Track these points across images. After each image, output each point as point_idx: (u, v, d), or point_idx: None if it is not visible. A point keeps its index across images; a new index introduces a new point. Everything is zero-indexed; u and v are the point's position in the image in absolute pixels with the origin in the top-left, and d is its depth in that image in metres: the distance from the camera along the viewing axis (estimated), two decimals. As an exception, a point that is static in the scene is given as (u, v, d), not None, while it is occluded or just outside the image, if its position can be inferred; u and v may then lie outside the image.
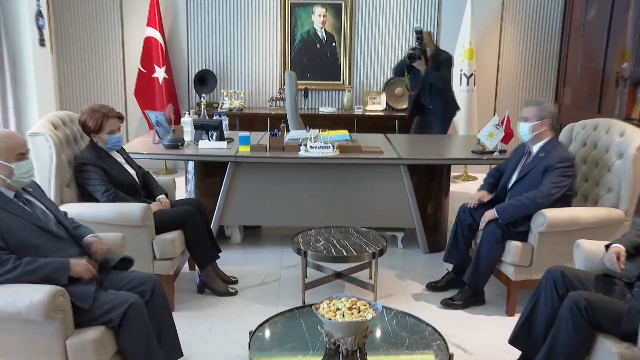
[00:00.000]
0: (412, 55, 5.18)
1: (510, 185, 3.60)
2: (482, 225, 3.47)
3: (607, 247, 2.61)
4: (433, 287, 3.85)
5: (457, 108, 5.64)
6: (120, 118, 3.47)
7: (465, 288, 3.61)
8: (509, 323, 3.30)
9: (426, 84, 5.39)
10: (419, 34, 5.20)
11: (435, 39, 6.56)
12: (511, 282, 3.44)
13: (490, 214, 3.45)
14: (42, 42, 5.23)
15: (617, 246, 2.54)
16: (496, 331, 3.31)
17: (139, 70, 6.44)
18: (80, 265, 2.40)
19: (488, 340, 3.21)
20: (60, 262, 2.35)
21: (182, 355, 2.64)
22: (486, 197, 3.73)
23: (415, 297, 3.75)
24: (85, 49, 6.64)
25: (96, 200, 3.35)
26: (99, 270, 2.57)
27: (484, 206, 3.64)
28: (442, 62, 5.31)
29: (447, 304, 3.58)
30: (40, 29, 5.19)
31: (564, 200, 3.40)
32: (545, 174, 3.37)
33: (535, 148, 3.51)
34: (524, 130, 3.50)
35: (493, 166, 3.92)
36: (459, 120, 6.40)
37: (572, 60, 6.36)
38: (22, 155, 2.46)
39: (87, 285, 2.38)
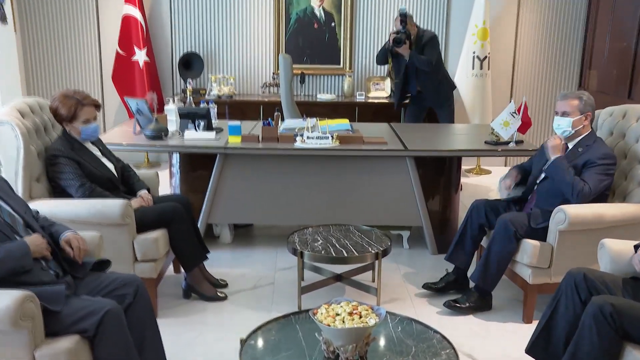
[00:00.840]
0: (398, 39, 5.25)
1: (539, 181, 3.59)
2: (551, 142, 3.45)
3: (637, 247, 2.61)
4: (430, 287, 3.85)
5: (452, 87, 5.75)
6: (97, 106, 3.45)
7: (471, 291, 3.61)
8: (526, 331, 3.30)
9: (410, 70, 5.49)
10: (404, 17, 5.27)
11: (445, 17, 6.58)
12: (528, 285, 3.43)
13: (558, 143, 3.43)
14: (3, 19, 5.16)
15: None
16: (511, 340, 3.31)
17: (117, 52, 6.40)
18: (37, 243, 2.42)
19: (502, 350, 3.21)
20: (18, 248, 2.35)
21: (166, 365, 2.64)
22: (516, 178, 3.74)
23: (422, 302, 3.75)
24: (55, 27, 6.58)
25: (69, 196, 3.33)
26: (73, 276, 2.56)
27: (502, 207, 3.64)
28: (427, 43, 5.39)
29: (451, 306, 3.57)
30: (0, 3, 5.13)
31: (600, 199, 3.40)
32: (584, 169, 3.37)
33: (571, 144, 3.51)
34: (563, 127, 3.47)
35: (510, 159, 3.90)
36: (471, 107, 6.40)
37: (600, 40, 6.33)
38: None
39: (54, 286, 2.36)
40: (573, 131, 3.46)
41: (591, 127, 3.52)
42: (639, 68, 5.50)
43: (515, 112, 4.26)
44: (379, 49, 5.76)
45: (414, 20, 5.54)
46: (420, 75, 5.52)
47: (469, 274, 3.74)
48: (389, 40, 5.40)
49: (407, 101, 5.89)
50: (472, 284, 3.66)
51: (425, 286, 3.87)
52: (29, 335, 2.19)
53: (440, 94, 5.65)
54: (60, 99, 3.35)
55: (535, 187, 3.61)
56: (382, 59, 5.61)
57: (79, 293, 2.50)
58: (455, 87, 5.82)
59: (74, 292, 2.49)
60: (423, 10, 6.62)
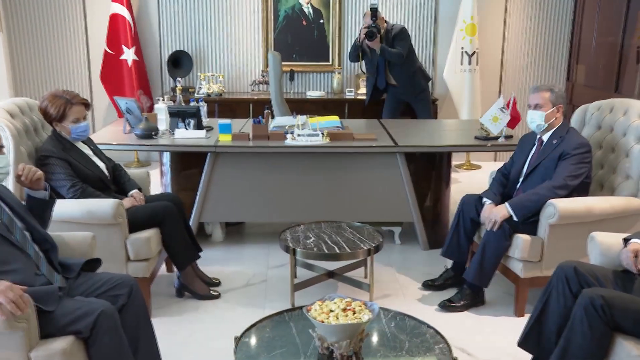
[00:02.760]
0: (371, 33, 5.33)
1: (521, 178, 3.61)
2: (489, 226, 3.42)
3: (626, 241, 2.64)
4: (430, 285, 3.87)
5: (427, 79, 5.84)
6: (86, 105, 3.44)
7: (464, 288, 3.63)
8: (518, 324, 3.33)
9: (380, 64, 5.58)
10: (374, 11, 5.35)
11: (434, 13, 6.62)
12: (520, 279, 3.46)
13: (502, 211, 3.40)
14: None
15: (636, 242, 2.56)
16: (504, 333, 3.34)
17: (105, 51, 6.38)
18: (7, 295, 2.10)
19: (495, 343, 3.24)
20: None
21: (161, 364, 2.65)
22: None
23: (415, 297, 3.77)
24: (41, 26, 6.55)
25: (61, 197, 3.33)
26: (68, 275, 2.56)
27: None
28: (396, 35, 5.48)
29: (446, 306, 3.59)
30: (-16, 3, 5.10)
31: (582, 189, 3.42)
32: (560, 161, 3.39)
33: (546, 136, 3.53)
34: (536, 120, 3.49)
35: (499, 166, 3.89)
36: (460, 103, 6.44)
37: (587, 35, 6.38)
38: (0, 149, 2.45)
39: (47, 287, 2.36)
40: (546, 125, 3.49)
41: (563, 118, 3.53)
42: (625, 62, 5.54)
43: (504, 107, 4.29)
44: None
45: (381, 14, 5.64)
46: (393, 69, 5.61)
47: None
48: (359, 35, 5.46)
49: (383, 97, 5.95)
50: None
51: (425, 284, 3.89)
52: (24, 336, 2.18)
53: (414, 87, 5.71)
54: (50, 99, 3.35)
55: (520, 184, 3.63)
56: (354, 56, 5.68)
57: (72, 294, 2.49)
58: (430, 79, 5.91)
59: (68, 293, 2.49)
60: (412, 6, 6.65)
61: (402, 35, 5.47)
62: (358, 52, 5.55)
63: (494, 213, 3.42)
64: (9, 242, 2.41)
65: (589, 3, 6.33)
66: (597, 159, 3.72)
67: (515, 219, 3.39)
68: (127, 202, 3.50)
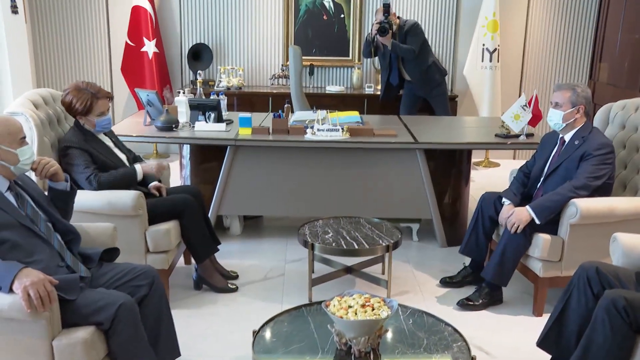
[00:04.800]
0: (383, 28, 5.32)
1: (542, 178, 3.58)
2: (511, 229, 3.39)
3: None
4: (447, 282, 3.87)
5: (442, 74, 5.79)
6: (110, 98, 3.47)
7: (482, 286, 3.61)
8: (536, 324, 3.31)
9: (393, 60, 5.59)
10: (387, 7, 5.37)
11: (455, 9, 6.58)
12: (539, 279, 3.44)
13: (524, 215, 3.36)
14: (14, 9, 5.17)
15: None
16: (522, 333, 3.32)
17: (126, 43, 6.42)
18: (30, 276, 2.16)
19: (513, 343, 3.22)
20: (8, 266, 2.22)
21: (180, 355, 2.65)
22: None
23: (433, 295, 3.76)
24: (65, 17, 6.62)
25: (80, 188, 3.34)
26: (88, 265, 2.58)
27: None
28: (408, 31, 5.45)
29: (464, 304, 3.58)
30: (11, -5, 5.15)
31: (605, 190, 3.39)
32: (582, 162, 3.35)
33: (568, 136, 3.49)
34: (554, 119, 3.46)
35: (518, 164, 3.85)
36: (480, 100, 6.39)
37: (611, 32, 6.30)
38: (24, 139, 2.48)
39: (68, 275, 2.38)
40: (564, 124, 3.45)
41: (586, 118, 3.48)
42: (651, 60, 5.48)
43: (526, 105, 4.26)
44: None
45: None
46: (406, 65, 5.61)
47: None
48: (371, 31, 5.45)
49: (400, 93, 5.94)
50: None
51: (442, 281, 3.88)
52: (47, 325, 2.21)
53: (429, 82, 5.68)
54: (74, 93, 3.34)
55: (540, 183, 3.60)
56: (366, 51, 5.66)
57: (95, 284, 2.52)
58: (447, 73, 5.87)
59: (91, 283, 2.52)
60: (433, 2, 6.61)
61: (414, 30, 5.45)
62: (370, 48, 5.54)
63: (516, 217, 3.38)
64: (34, 234, 2.44)
65: (615, 0, 6.25)
66: (621, 158, 3.68)
67: (537, 222, 3.36)
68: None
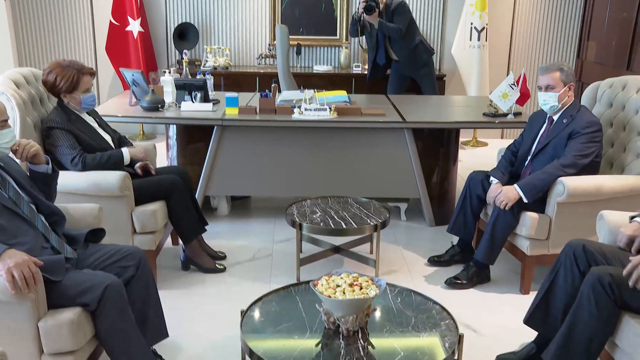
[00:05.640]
0: (369, 7, 5.30)
1: (530, 157, 3.59)
2: (501, 206, 3.39)
3: (632, 218, 2.63)
4: (435, 261, 3.88)
5: (429, 53, 5.76)
6: (92, 74, 3.42)
7: (470, 265, 3.63)
8: (524, 302, 3.34)
9: (380, 39, 5.57)
10: None
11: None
12: (526, 257, 3.46)
13: (512, 193, 3.36)
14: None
15: (637, 222, 2.57)
16: (509, 310, 3.34)
17: (111, 22, 6.33)
18: (14, 257, 2.15)
19: (500, 320, 3.24)
20: None
21: (168, 336, 2.66)
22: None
23: (421, 273, 3.77)
24: (46, -4, 6.51)
25: (64, 168, 3.31)
26: (74, 247, 2.56)
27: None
28: (395, 10, 5.42)
29: (452, 283, 3.59)
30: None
31: (592, 168, 3.40)
32: (570, 140, 3.36)
33: (556, 115, 3.49)
34: (549, 102, 3.44)
35: (506, 143, 3.85)
36: (468, 79, 6.38)
37: (599, 10, 6.29)
38: (5, 122, 2.44)
39: (53, 257, 2.36)
40: (560, 105, 3.45)
41: (574, 96, 3.50)
42: (638, 39, 5.47)
43: (514, 84, 4.25)
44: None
45: None
46: (394, 44, 5.59)
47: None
48: (358, 9, 5.42)
49: (387, 72, 5.92)
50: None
51: (431, 260, 3.90)
52: (32, 306, 2.20)
53: (416, 61, 5.67)
54: (57, 71, 3.28)
55: (528, 162, 3.60)
56: (353, 30, 5.64)
57: (82, 265, 2.50)
58: (433, 52, 5.84)
59: (77, 264, 2.50)
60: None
61: (400, 9, 5.42)
62: (357, 27, 5.53)
63: (505, 195, 3.38)
64: (17, 215, 2.41)
65: (602, -22, 6.23)
66: (608, 137, 3.69)
67: (525, 200, 3.36)
68: (134, 151, 3.50)
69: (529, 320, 2.76)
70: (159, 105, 4.29)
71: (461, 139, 6.39)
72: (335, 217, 3.51)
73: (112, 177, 3.23)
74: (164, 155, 4.83)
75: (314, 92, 4.44)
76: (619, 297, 2.32)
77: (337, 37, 6.71)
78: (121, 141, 3.69)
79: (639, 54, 5.46)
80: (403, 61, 5.66)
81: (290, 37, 5.69)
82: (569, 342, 2.40)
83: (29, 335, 2.24)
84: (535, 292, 2.78)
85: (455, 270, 3.72)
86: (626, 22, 5.67)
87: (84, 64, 3.41)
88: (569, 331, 2.41)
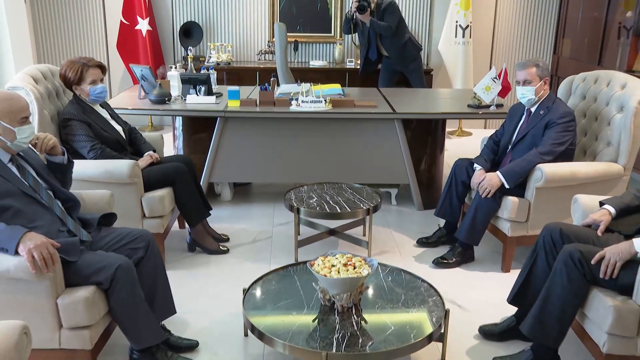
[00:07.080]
0: (362, 6, 5.28)
1: (511, 146, 3.59)
2: (483, 193, 3.39)
3: (602, 204, 2.66)
4: (424, 242, 3.89)
5: (417, 49, 5.73)
6: (102, 67, 3.40)
7: (455, 245, 3.64)
8: (505, 279, 3.36)
9: (372, 36, 5.54)
10: None
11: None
12: (507, 238, 3.47)
13: (495, 180, 3.37)
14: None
15: (605, 210, 2.61)
16: (492, 287, 3.36)
17: (121, 22, 6.29)
18: (33, 240, 2.16)
19: (484, 297, 3.26)
20: (10, 234, 2.19)
21: (175, 312, 2.66)
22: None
23: (410, 254, 3.78)
24: (63, -2, 6.46)
25: (82, 158, 3.31)
26: (88, 230, 2.56)
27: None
28: (385, 9, 5.40)
29: (439, 263, 3.60)
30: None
31: (567, 155, 3.40)
32: (547, 130, 3.36)
33: (534, 107, 3.50)
34: (527, 95, 3.43)
35: (489, 133, 3.85)
36: (454, 73, 6.37)
37: (573, 10, 6.29)
38: (26, 119, 2.42)
39: (69, 239, 2.36)
40: (537, 98, 3.45)
41: (549, 89, 3.50)
42: (608, 37, 5.47)
43: (496, 78, 4.24)
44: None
45: None
46: (384, 41, 5.56)
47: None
48: (351, 8, 5.39)
49: (379, 67, 5.89)
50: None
51: (419, 241, 3.91)
52: (51, 284, 2.21)
53: (405, 57, 5.64)
54: (67, 65, 3.33)
55: (509, 150, 3.60)
56: (346, 28, 5.61)
57: (95, 247, 2.51)
58: (421, 48, 5.82)
59: (91, 246, 2.50)
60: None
61: (390, 9, 5.39)
62: (350, 25, 5.51)
63: (488, 182, 3.39)
64: (36, 201, 2.41)
65: (577, -21, 6.22)
66: (581, 127, 3.70)
67: (507, 186, 3.37)
68: (143, 161, 3.49)
69: (513, 300, 2.77)
70: (166, 99, 4.27)
71: (447, 129, 6.36)
72: (331, 201, 3.51)
73: (122, 166, 3.23)
74: (171, 145, 4.82)
75: (310, 85, 4.43)
76: (588, 272, 2.35)
77: (332, 34, 6.67)
78: (131, 132, 3.68)
79: (609, 51, 5.46)
80: (393, 56, 5.64)
81: (288, 34, 5.67)
82: (543, 313, 2.43)
83: (49, 311, 2.25)
84: (516, 270, 2.79)
85: (442, 250, 3.73)
86: (597, 22, 5.66)
87: (94, 58, 3.42)
88: (544, 303, 2.44)
